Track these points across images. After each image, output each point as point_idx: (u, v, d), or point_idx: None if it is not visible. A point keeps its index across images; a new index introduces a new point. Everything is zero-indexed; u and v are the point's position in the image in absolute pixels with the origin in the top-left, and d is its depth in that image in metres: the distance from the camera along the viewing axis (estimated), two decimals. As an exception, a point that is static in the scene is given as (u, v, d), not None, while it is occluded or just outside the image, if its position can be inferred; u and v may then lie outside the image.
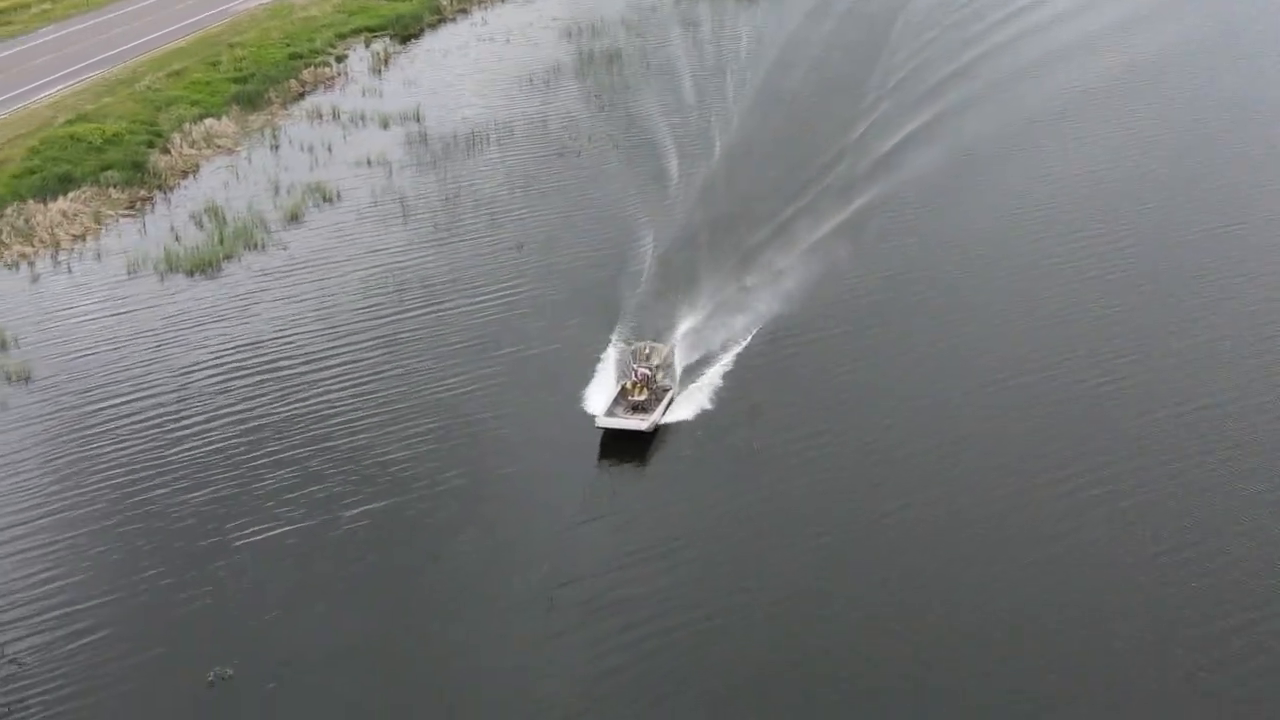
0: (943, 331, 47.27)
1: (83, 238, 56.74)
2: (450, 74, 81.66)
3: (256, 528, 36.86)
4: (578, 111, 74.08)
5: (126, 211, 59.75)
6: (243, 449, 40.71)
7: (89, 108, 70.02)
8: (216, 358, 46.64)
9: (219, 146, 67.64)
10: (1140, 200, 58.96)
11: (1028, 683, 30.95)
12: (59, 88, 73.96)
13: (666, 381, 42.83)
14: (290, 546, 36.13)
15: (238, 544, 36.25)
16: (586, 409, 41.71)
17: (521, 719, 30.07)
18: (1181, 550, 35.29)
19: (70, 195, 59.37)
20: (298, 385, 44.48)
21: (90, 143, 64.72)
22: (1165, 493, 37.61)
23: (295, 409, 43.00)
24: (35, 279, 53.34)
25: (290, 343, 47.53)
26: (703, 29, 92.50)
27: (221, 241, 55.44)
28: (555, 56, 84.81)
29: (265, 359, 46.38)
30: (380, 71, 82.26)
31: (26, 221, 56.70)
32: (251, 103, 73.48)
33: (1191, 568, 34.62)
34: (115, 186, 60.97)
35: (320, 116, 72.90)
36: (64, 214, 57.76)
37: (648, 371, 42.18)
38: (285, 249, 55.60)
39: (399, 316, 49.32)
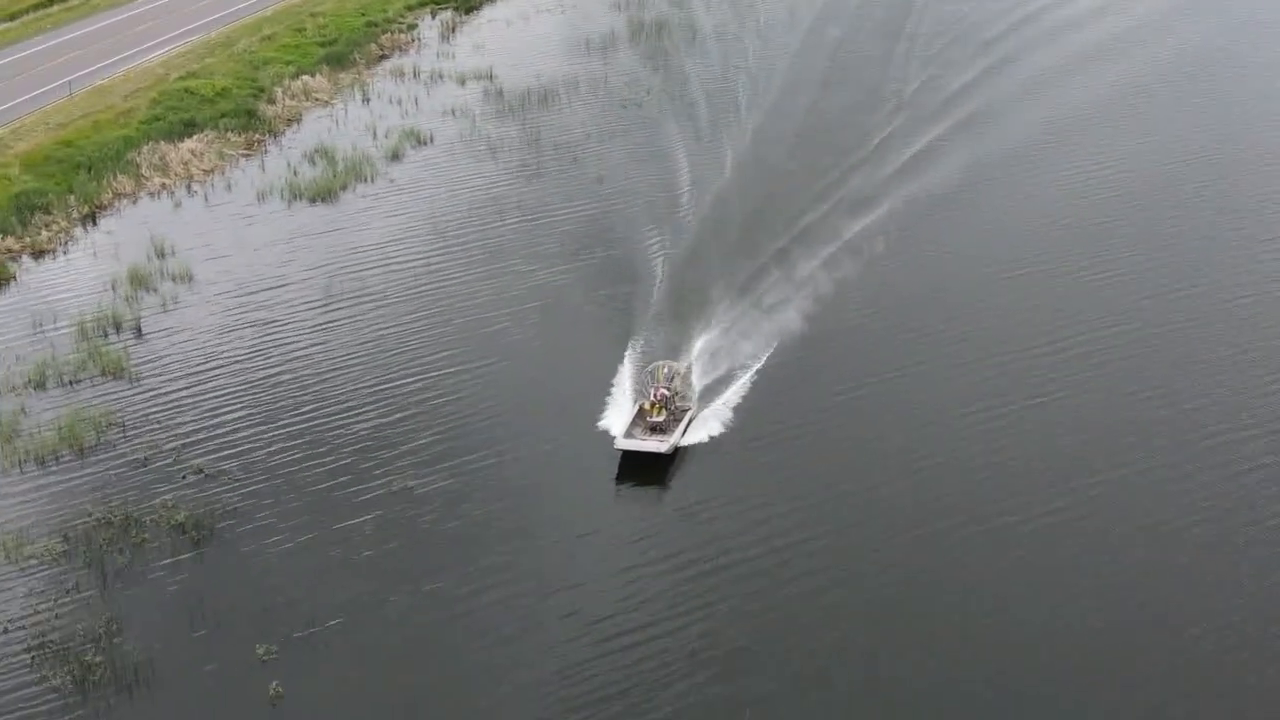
0: (991, 337, 46.95)
1: (211, 173, 64.23)
2: (514, 40, 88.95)
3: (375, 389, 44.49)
4: (635, 70, 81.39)
5: (245, 152, 67.19)
6: (352, 325, 48.58)
7: (195, 66, 77.44)
8: (338, 259, 54.36)
9: (316, 99, 75.09)
10: (1179, 206, 58.35)
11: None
12: (164, 50, 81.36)
13: (686, 402, 42.02)
14: (401, 400, 43.67)
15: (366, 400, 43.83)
16: (604, 430, 41.19)
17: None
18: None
19: (195, 138, 66.82)
20: (412, 280, 52.16)
21: (203, 95, 72.14)
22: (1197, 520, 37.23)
23: (409, 298, 50.68)
24: (178, 205, 60.85)
25: (405, 248, 55.23)
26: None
27: (335, 175, 62.92)
28: (609, 24, 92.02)
29: (379, 260, 54.14)
30: (449, 38, 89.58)
31: (161, 159, 64.18)
32: (339, 63, 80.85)
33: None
34: (232, 131, 68.39)
35: (402, 75, 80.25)
36: (192, 153, 65.27)
37: (666, 391, 41.23)
38: (392, 180, 63.11)
39: (500, 228, 57.09)
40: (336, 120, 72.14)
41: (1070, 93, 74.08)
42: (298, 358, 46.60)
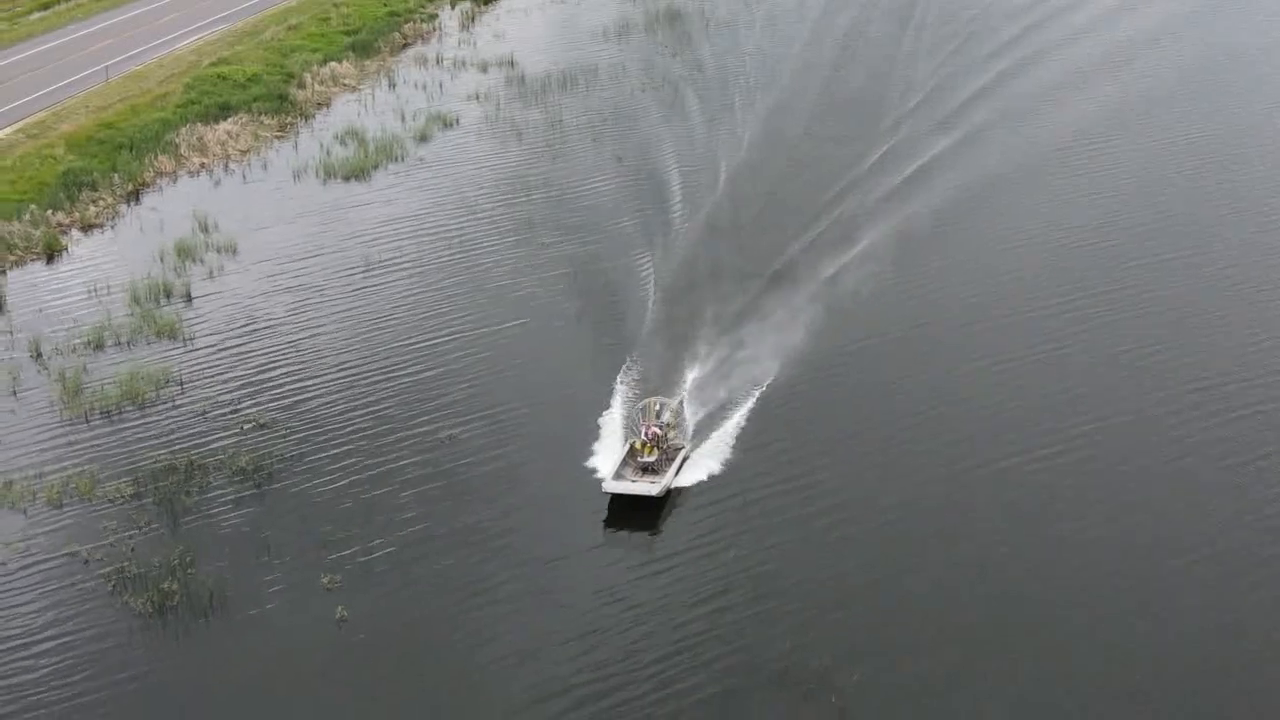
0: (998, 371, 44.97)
1: (247, 153, 66.73)
2: (532, 29, 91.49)
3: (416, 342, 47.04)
4: (650, 58, 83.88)
5: (278, 134, 69.68)
6: (387, 289, 51.18)
7: (226, 54, 79.95)
8: (372, 230, 57.05)
9: (344, 85, 77.60)
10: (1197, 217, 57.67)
11: None
12: (194, 39, 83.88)
13: (679, 440, 39.80)
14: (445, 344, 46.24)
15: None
16: (594, 472, 38.99)
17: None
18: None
19: (230, 120, 69.29)
20: (444, 248, 54.72)
21: (235, 80, 74.59)
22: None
23: (442, 265, 53.37)
24: (217, 183, 63.36)
25: (436, 220, 57.79)
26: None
27: (366, 155, 65.42)
28: (623, 15, 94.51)
29: (412, 230, 56.76)
30: (469, 27, 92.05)
31: (199, 140, 66.64)
32: (364, 51, 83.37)
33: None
34: (265, 114, 70.85)
35: (426, 62, 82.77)
36: (228, 134, 67.75)
37: (658, 430, 39.12)
38: (421, 160, 65.62)
39: (526, 202, 59.76)
40: (364, 104, 74.62)
41: (1100, 86, 76.55)
42: (337, 319, 49.14)
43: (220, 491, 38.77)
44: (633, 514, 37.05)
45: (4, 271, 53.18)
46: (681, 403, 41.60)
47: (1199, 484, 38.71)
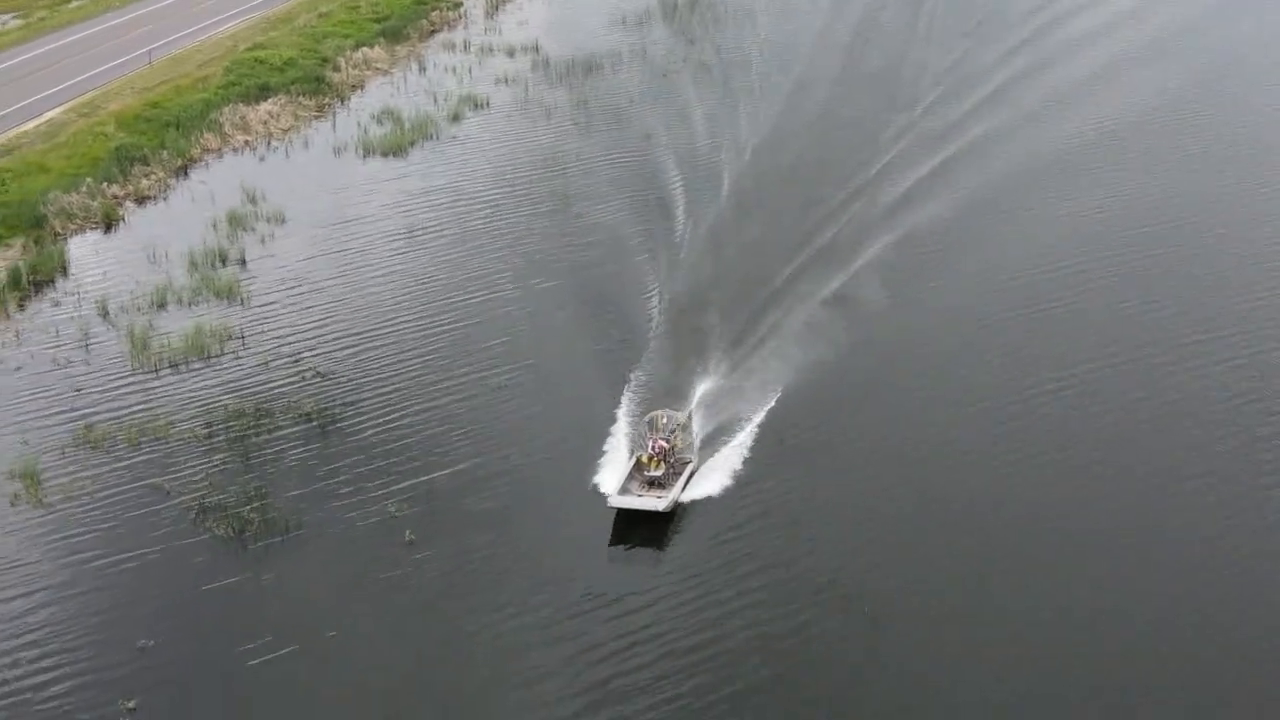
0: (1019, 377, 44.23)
1: (288, 131, 69.65)
2: (555, 15, 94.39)
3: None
4: (671, 44, 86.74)
5: (317, 114, 72.60)
6: (429, 252, 54.04)
7: (261, 39, 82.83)
8: (412, 200, 60.01)
9: (376, 69, 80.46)
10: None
11: None
12: (229, 25, 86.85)
13: (686, 454, 38.85)
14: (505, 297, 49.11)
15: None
16: (599, 487, 38.11)
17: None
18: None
19: (270, 101, 72.14)
20: (480, 217, 57.62)
21: (272, 64, 77.43)
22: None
23: (478, 231, 56.24)
24: (261, 159, 66.25)
25: (471, 191, 60.66)
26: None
27: (403, 133, 68.23)
28: (643, 2, 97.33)
29: (449, 200, 59.68)
30: (494, 15, 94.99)
31: (242, 119, 69.49)
32: (394, 37, 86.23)
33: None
34: (303, 95, 73.72)
35: (454, 48, 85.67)
36: (270, 114, 70.63)
37: (665, 443, 38.16)
38: (455, 137, 68.50)
39: (558, 175, 62.61)
40: (397, 87, 77.47)
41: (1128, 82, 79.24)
42: (384, 279, 52.04)
43: (287, 432, 41.55)
44: (640, 529, 36.44)
45: (66, 239, 55.98)
46: (689, 415, 40.73)
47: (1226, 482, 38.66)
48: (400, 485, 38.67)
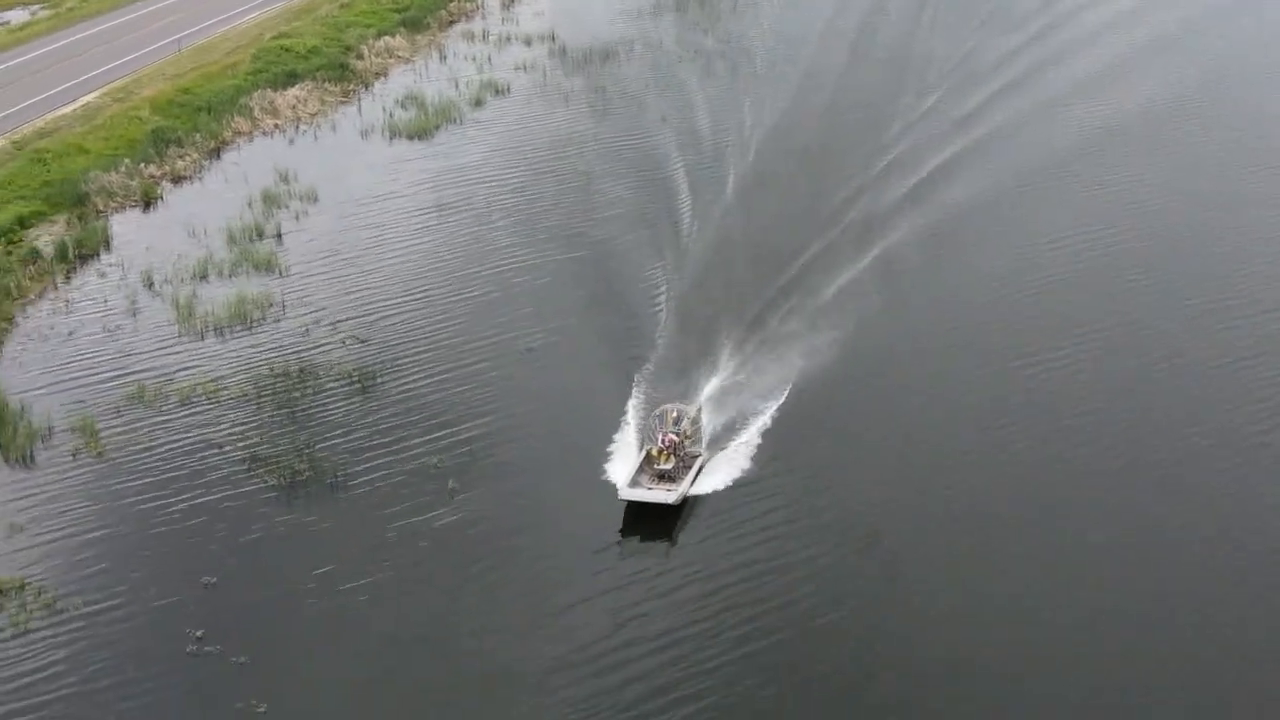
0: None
1: (316, 115, 71.88)
2: (570, 7, 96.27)
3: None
4: (683, 34, 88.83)
5: (342, 99, 74.80)
6: (455, 226, 56.32)
7: (285, 28, 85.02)
8: (438, 178, 62.58)
9: (398, 57, 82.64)
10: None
11: None
12: (254, 14, 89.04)
13: (695, 448, 39.37)
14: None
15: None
16: (609, 479, 38.58)
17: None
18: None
19: (297, 87, 74.37)
20: (504, 194, 59.86)
21: (297, 52, 79.64)
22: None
23: (502, 207, 58.48)
24: (291, 141, 68.49)
25: (495, 171, 63.01)
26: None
27: (427, 117, 70.46)
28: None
29: (474, 179, 61.97)
30: (511, 6, 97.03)
31: (271, 104, 71.71)
32: (414, 26, 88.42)
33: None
34: (329, 82, 75.95)
35: (473, 37, 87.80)
36: (297, 99, 72.84)
37: (675, 437, 38.66)
38: (478, 121, 70.75)
39: (578, 155, 65.15)
40: (419, 74, 79.66)
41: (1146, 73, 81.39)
42: (414, 251, 54.74)
43: (330, 392, 43.81)
44: (649, 522, 36.92)
45: (108, 215, 58.22)
46: (699, 410, 41.11)
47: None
48: (440, 438, 40.95)
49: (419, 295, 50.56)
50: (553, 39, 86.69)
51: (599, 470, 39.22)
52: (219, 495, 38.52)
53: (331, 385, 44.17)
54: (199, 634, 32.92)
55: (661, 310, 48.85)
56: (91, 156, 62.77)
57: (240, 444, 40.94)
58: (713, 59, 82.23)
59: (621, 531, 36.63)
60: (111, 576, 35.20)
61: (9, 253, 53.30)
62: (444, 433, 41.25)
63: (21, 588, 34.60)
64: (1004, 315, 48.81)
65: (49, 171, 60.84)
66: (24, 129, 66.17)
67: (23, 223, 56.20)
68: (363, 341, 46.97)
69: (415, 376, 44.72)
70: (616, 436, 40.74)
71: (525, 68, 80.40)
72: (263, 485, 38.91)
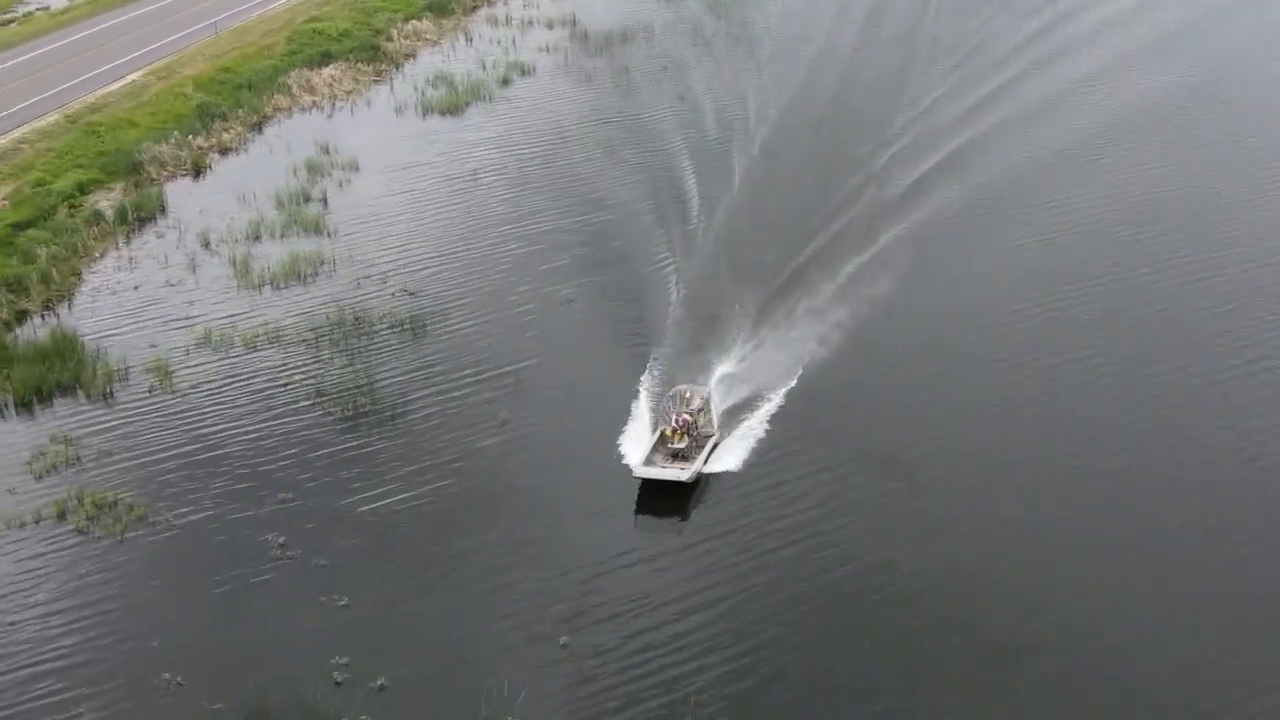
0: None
1: (351, 93, 75.17)
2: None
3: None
4: (700, 18, 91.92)
5: (375, 79, 78.09)
6: (489, 189, 59.46)
7: (316, 12, 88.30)
8: (470, 149, 65.84)
9: (426, 40, 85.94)
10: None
11: None
12: (285, 0, 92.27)
13: (708, 428, 40.46)
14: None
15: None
16: (624, 458, 39.62)
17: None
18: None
19: (331, 67, 77.66)
20: (533, 163, 63.23)
21: (329, 34, 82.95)
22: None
23: (532, 174, 61.79)
24: (329, 117, 71.79)
25: (524, 142, 66.22)
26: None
27: (457, 95, 73.69)
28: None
29: (505, 149, 65.27)
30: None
31: (308, 82, 75.01)
32: (440, 11, 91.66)
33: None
34: (361, 62, 79.24)
35: (496, 21, 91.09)
36: (332, 78, 76.14)
37: (688, 417, 39.91)
38: (506, 98, 74.00)
39: (602, 128, 68.36)
40: (447, 56, 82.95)
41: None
42: (453, 213, 58.16)
43: (384, 337, 47.09)
44: (663, 499, 38.07)
45: (161, 183, 61.46)
46: (711, 392, 42.33)
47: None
48: (488, 377, 44.30)
49: (461, 252, 53.85)
50: (573, 23, 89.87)
51: (633, 402, 42.56)
52: (288, 424, 41.81)
53: (385, 331, 47.42)
54: (280, 540, 36.20)
55: (690, 260, 52.18)
56: (141, 129, 66.03)
57: (304, 381, 44.22)
58: (727, 40, 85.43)
59: (636, 509, 37.79)
60: (195, 494, 38.48)
61: (72, 215, 56.57)
62: (493, 373, 44.51)
63: (114, 504, 37.87)
64: (1007, 320, 48.22)
65: (103, 143, 64.10)
66: (74, 105, 69.43)
67: (82, 189, 59.44)
68: (411, 293, 50.21)
69: (463, 323, 48.01)
70: (644, 379, 43.87)
71: (548, 50, 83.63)
72: (328, 415, 42.20)
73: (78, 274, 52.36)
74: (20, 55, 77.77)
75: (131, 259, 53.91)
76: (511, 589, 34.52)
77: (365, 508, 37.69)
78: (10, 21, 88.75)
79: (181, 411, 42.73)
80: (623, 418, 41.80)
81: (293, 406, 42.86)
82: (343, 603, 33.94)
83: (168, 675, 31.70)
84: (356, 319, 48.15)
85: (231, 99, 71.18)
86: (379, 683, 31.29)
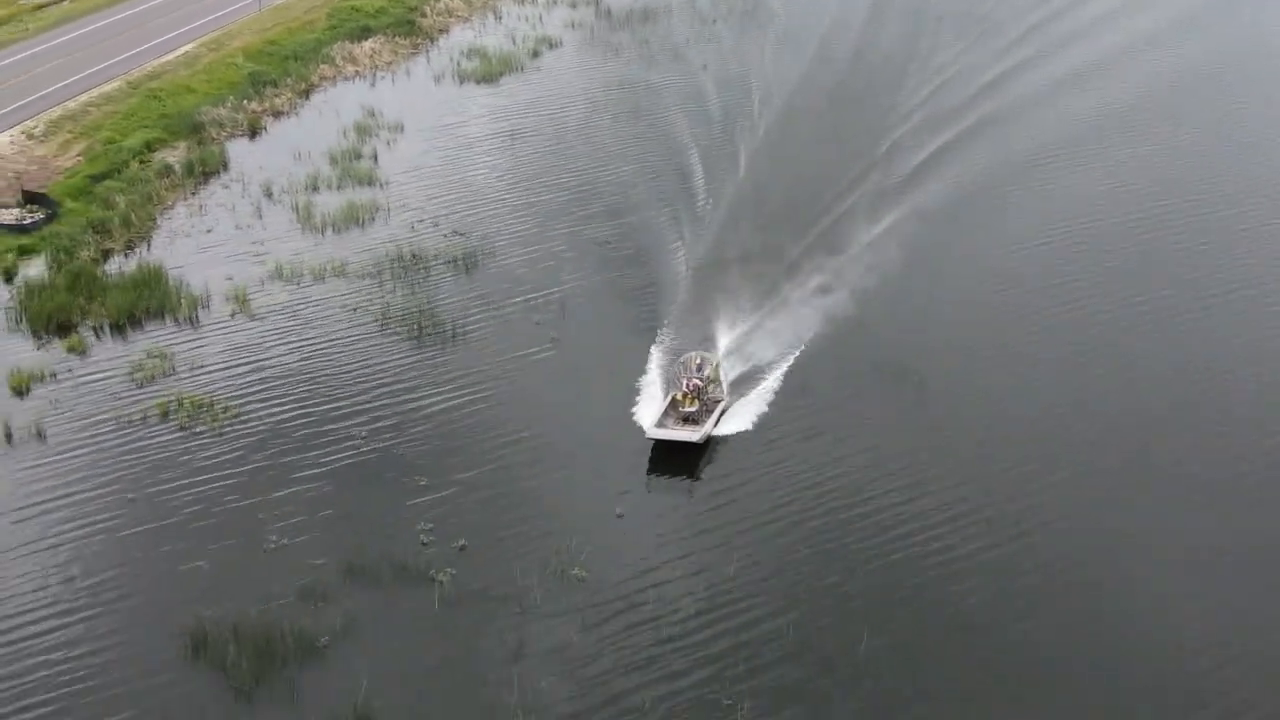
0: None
1: (391, 64, 79.86)
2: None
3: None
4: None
5: (412, 51, 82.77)
6: (525, 145, 64.07)
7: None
8: (507, 111, 71.03)
9: (458, 16, 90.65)
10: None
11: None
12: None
13: (718, 393, 42.41)
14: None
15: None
16: (637, 421, 41.65)
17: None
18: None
19: (371, 40, 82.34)
20: (566, 127, 67.86)
21: (367, 11, 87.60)
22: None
23: (566, 134, 66.29)
24: (372, 85, 76.47)
25: (557, 108, 70.95)
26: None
27: (491, 66, 78.41)
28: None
29: (541, 112, 70.13)
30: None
31: (350, 54, 79.69)
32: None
33: None
34: (399, 36, 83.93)
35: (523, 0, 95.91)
36: (373, 50, 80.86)
37: (699, 382, 41.59)
38: (538, 69, 78.74)
39: (629, 95, 72.90)
40: (478, 31, 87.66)
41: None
42: (498, 165, 63.38)
43: (440, 271, 51.83)
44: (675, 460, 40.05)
45: (221, 142, 66.08)
46: (720, 359, 44.62)
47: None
48: (536, 302, 49.05)
49: (505, 200, 58.62)
50: (597, 2, 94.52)
51: (659, 326, 47.36)
52: (359, 341, 46.58)
53: (440, 266, 52.11)
54: (362, 433, 40.97)
55: (712, 209, 56.87)
56: (199, 95, 70.67)
57: (370, 306, 48.94)
58: (742, 20, 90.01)
59: (648, 470, 39.67)
60: (281, 398, 43.22)
61: (143, 168, 61.21)
62: (539, 299, 49.30)
63: (211, 405, 42.58)
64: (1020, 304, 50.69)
65: (164, 106, 68.74)
66: (134, 73, 74.02)
67: (149, 146, 64.05)
68: (462, 235, 54.90)
69: (510, 259, 52.81)
70: (672, 309, 48.58)
71: (574, 25, 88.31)
72: (395, 336, 46.90)
73: (153, 219, 56.99)
74: (78, 29, 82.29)
75: (201, 206, 58.55)
76: (568, 469, 39.25)
77: (435, 408, 42.43)
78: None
79: (261, 331, 47.42)
80: (653, 336, 46.60)
81: (361, 326, 47.56)
82: (422, 483, 38.59)
83: (274, 539, 36.38)
84: (414, 255, 52.82)
85: (280, 68, 75.82)
86: (460, 544, 35.96)
